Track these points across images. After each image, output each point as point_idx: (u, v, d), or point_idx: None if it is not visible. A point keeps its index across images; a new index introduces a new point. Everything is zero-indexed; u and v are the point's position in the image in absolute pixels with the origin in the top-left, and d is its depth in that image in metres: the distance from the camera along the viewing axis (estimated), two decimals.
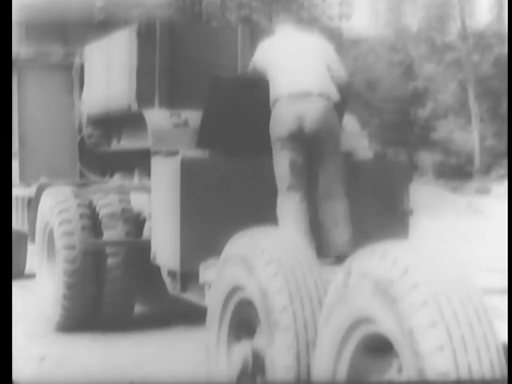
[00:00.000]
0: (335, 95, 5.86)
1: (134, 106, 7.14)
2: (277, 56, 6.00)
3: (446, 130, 36.22)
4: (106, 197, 7.49)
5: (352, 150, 6.62)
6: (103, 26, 8.88)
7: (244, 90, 6.29)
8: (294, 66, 5.91)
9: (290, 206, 5.66)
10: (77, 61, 8.92)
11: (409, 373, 3.46)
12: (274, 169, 5.77)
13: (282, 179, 5.69)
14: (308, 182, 5.77)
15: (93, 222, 7.38)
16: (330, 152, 5.76)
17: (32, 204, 8.29)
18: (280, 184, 5.72)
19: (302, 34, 6.20)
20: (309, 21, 33.16)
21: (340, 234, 5.73)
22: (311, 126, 5.66)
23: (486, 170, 34.29)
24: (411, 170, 6.95)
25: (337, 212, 5.77)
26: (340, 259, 5.41)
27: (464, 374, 3.31)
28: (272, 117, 5.78)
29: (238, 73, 7.22)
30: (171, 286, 6.23)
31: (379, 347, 3.74)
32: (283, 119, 5.66)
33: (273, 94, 5.83)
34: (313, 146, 5.71)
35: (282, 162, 5.67)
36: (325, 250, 5.74)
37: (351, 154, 6.52)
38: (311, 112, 5.67)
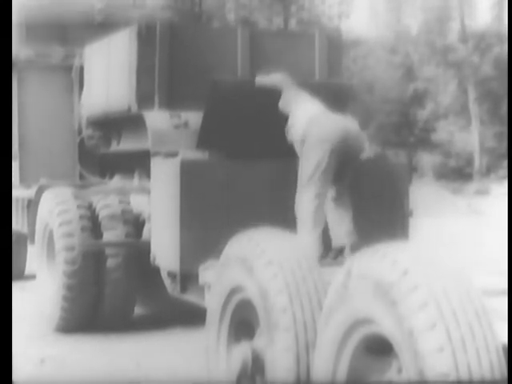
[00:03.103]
0: None
1: (134, 108, 7.14)
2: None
3: (445, 131, 36.22)
4: (106, 198, 7.50)
5: None
6: (103, 27, 8.87)
7: (244, 93, 6.31)
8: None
9: (312, 208, 5.74)
10: (76, 62, 8.91)
11: (408, 373, 3.46)
12: (303, 172, 5.80)
13: (313, 184, 5.75)
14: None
15: (92, 224, 7.38)
16: (355, 164, 6.00)
17: (32, 205, 8.29)
18: (307, 187, 5.76)
19: None
20: (309, 22, 33.19)
21: (344, 225, 5.91)
22: (353, 139, 5.89)
23: (486, 171, 34.29)
24: (411, 171, 6.97)
25: (342, 210, 5.95)
26: (341, 251, 5.72)
27: (464, 375, 3.31)
28: (315, 125, 5.85)
29: (238, 74, 7.22)
30: (171, 287, 6.23)
31: (379, 348, 3.75)
32: (331, 128, 5.82)
33: (307, 105, 6.01)
34: (345, 156, 5.86)
35: (318, 166, 5.74)
36: (327, 243, 5.84)
37: None
38: (353, 128, 5.95)
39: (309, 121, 5.90)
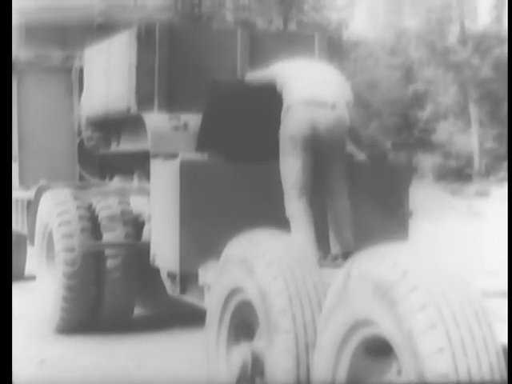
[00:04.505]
0: (348, 103, 6.01)
1: (134, 109, 7.14)
2: (291, 68, 6.16)
3: (445, 132, 36.21)
4: (106, 199, 7.50)
5: (352, 153, 6.63)
6: (103, 28, 8.87)
7: (243, 94, 6.31)
8: (309, 78, 6.07)
9: (300, 208, 5.72)
10: (76, 64, 8.92)
11: (408, 375, 3.46)
12: (282, 170, 5.79)
13: (291, 181, 5.74)
14: (314, 184, 5.84)
15: (92, 224, 7.38)
16: (336, 159, 5.91)
17: (31, 206, 8.30)
18: (289, 185, 5.75)
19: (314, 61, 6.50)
20: (308, 24, 33.20)
21: (343, 232, 5.86)
22: (324, 133, 5.78)
23: (486, 172, 34.29)
24: (411, 172, 6.98)
25: (340, 213, 5.90)
26: (341, 256, 5.70)
27: (463, 377, 3.31)
28: (286, 120, 5.82)
29: (238, 76, 7.22)
30: (171, 288, 6.23)
31: (379, 349, 3.75)
32: (299, 123, 5.75)
33: (287, 100, 5.90)
34: (322, 151, 5.82)
35: (294, 164, 5.73)
36: (327, 248, 5.82)
37: (351, 156, 6.53)
38: (325, 121, 5.80)
39: (285, 112, 5.84)
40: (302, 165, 5.72)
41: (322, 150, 5.81)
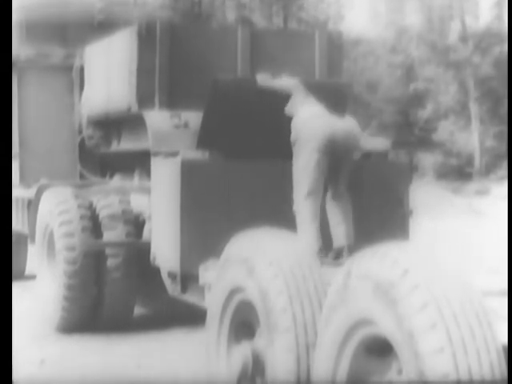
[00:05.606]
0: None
1: (134, 107, 7.14)
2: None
3: (446, 131, 36.21)
4: (106, 198, 7.50)
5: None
6: (103, 26, 8.87)
7: (245, 92, 6.31)
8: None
9: (310, 209, 5.78)
10: (77, 62, 8.92)
11: (409, 374, 3.46)
12: (295, 171, 5.82)
13: (304, 182, 5.79)
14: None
15: (93, 223, 7.38)
16: (346, 162, 6.00)
17: (32, 205, 8.29)
18: (300, 186, 5.77)
19: None
20: (308, 22, 33.18)
21: (343, 228, 5.92)
22: (342, 141, 5.89)
23: (486, 171, 34.28)
24: (411, 170, 7.02)
25: (342, 211, 5.96)
26: (344, 251, 5.75)
27: (464, 376, 3.31)
28: (303, 126, 5.88)
29: (238, 74, 7.22)
30: (171, 287, 6.23)
31: (379, 349, 3.74)
32: (321, 128, 5.85)
33: (309, 108, 6.00)
34: (336, 156, 5.90)
35: (307, 166, 5.79)
36: (328, 243, 5.85)
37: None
38: (345, 127, 5.95)
39: (302, 123, 5.93)
40: (316, 168, 5.78)
41: (336, 154, 5.88)
